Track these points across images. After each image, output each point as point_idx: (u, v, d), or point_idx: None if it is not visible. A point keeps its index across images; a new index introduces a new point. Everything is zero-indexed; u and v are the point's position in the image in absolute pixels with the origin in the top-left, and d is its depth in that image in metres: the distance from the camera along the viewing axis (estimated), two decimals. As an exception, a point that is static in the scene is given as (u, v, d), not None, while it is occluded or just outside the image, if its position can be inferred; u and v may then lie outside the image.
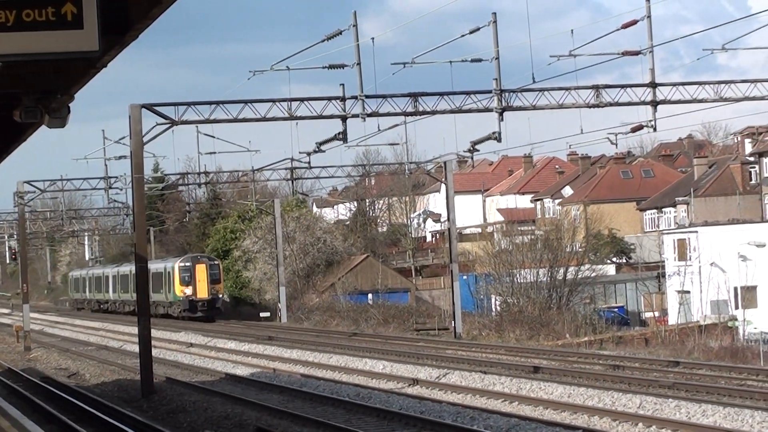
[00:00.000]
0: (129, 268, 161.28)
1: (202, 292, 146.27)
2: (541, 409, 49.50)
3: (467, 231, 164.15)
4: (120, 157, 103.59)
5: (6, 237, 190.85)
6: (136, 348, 65.56)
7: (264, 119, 67.65)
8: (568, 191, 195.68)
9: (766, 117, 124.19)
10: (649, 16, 65.20)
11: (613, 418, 45.46)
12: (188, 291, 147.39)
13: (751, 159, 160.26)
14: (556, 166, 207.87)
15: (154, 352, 66.54)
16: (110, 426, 46.34)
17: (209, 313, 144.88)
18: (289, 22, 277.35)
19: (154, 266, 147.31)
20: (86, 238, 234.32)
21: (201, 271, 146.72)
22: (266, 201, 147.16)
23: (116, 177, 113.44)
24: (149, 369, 61.45)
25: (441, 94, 67.95)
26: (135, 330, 70.01)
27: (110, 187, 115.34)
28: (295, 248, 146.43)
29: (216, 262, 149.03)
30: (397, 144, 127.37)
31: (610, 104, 68.02)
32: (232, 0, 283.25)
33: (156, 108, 65.61)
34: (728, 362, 67.72)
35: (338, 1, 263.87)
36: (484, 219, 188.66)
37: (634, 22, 65.48)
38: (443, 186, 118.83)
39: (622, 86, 68.40)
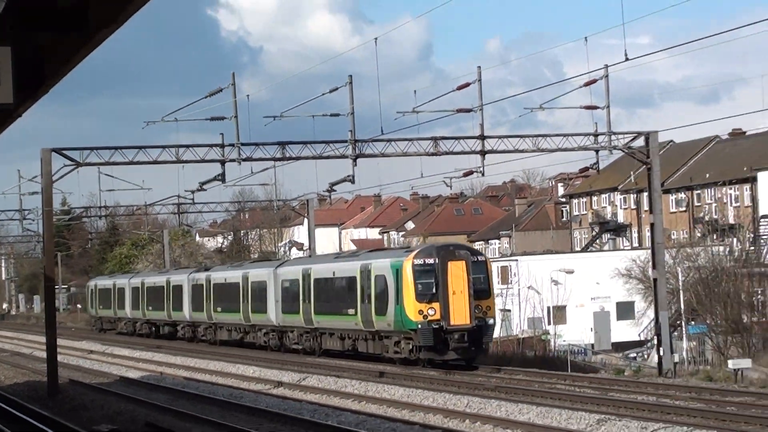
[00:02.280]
0: (183, 277, 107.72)
1: (461, 316, 65.37)
2: (385, 408, 49.54)
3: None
4: (33, 193, 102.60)
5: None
6: (44, 354, 64.91)
7: (155, 162, 67.55)
8: (410, 225, 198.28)
9: (575, 165, 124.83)
10: (479, 80, 65.45)
11: (445, 416, 45.68)
12: (431, 312, 65.77)
13: (563, 200, 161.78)
14: (401, 204, 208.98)
15: (61, 358, 66.14)
16: (19, 419, 46.07)
17: (470, 354, 66.64)
18: (178, 80, 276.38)
19: (322, 266, 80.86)
20: (2, 260, 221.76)
21: (458, 274, 65.96)
22: (156, 231, 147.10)
23: (29, 210, 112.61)
24: (55, 372, 61.13)
25: (305, 143, 67.91)
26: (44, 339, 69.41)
27: (24, 219, 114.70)
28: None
29: (482, 259, 71.17)
30: (268, 184, 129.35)
31: (446, 153, 68.13)
32: (131, 61, 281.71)
33: (63, 151, 65.51)
34: (541, 369, 67.97)
35: (220, 63, 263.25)
36: (340, 248, 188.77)
37: (467, 85, 65.73)
38: (306, 220, 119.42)
39: (456, 138, 68.48)
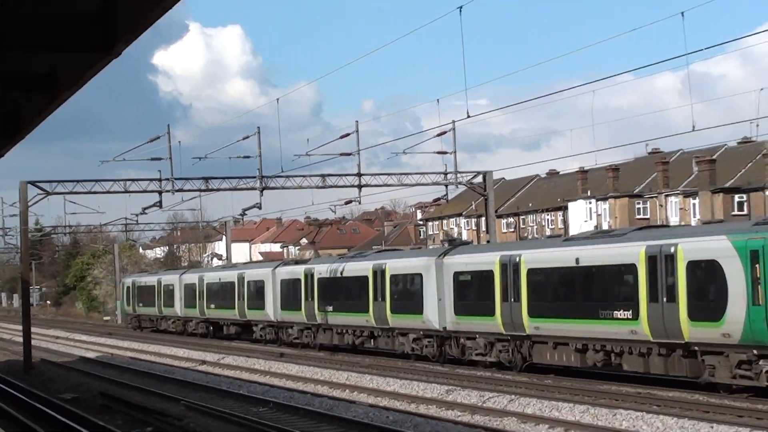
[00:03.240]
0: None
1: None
2: (284, 381, 49.31)
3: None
4: (12, 215, 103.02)
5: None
6: (21, 339, 64.46)
7: (108, 192, 67.73)
8: (304, 241, 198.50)
9: (430, 196, 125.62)
10: (357, 131, 65.69)
11: (330, 387, 45.25)
12: None
13: (421, 223, 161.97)
14: (297, 226, 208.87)
15: (34, 342, 65.49)
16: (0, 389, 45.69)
17: None
18: (126, 129, 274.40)
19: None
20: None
21: None
22: (109, 245, 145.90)
23: (9, 228, 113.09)
24: (29, 353, 60.41)
25: (223, 178, 67.99)
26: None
27: (5, 235, 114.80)
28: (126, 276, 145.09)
29: None
30: (195, 209, 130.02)
31: (332, 186, 68.46)
32: (90, 113, 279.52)
33: (37, 183, 65.94)
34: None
35: (158, 116, 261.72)
36: (250, 259, 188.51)
37: (348, 134, 66.02)
38: (224, 237, 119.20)
39: (340, 175, 68.68)
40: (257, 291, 72.91)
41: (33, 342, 63.89)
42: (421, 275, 52.83)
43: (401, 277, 55.39)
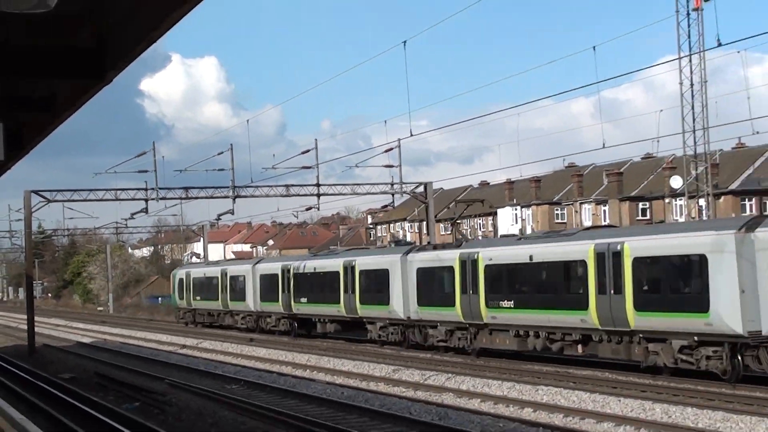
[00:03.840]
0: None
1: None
2: (254, 362, 49.25)
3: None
4: (18, 220, 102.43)
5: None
6: (26, 326, 64.26)
7: (101, 200, 67.63)
8: (271, 242, 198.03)
9: (379, 203, 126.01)
10: (316, 148, 65.73)
11: (293, 367, 45.29)
12: None
13: (371, 226, 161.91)
14: (265, 229, 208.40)
15: (37, 329, 65.05)
16: (7, 370, 45.38)
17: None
18: (117, 145, 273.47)
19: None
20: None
21: None
22: (102, 246, 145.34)
23: (16, 231, 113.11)
24: (33, 338, 60.03)
25: (201, 188, 68.05)
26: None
27: (12, 237, 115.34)
28: (117, 272, 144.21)
29: None
30: (177, 215, 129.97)
31: (294, 195, 68.50)
32: (86, 132, 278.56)
33: (40, 192, 65.50)
34: (360, 337, 67.89)
35: (145, 134, 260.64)
36: (224, 257, 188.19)
37: (308, 151, 66.10)
38: (202, 239, 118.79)
39: (301, 185, 68.76)
40: (377, 281, 53.08)
41: (36, 329, 63.50)
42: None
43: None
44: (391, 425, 25.90)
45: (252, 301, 67.98)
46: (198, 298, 78.91)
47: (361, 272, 53.78)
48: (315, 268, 59.51)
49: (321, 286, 58.52)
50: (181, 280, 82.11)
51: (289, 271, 62.60)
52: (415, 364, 42.69)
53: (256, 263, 69.46)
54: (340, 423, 25.97)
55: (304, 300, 60.83)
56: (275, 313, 65.60)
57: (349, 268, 55.07)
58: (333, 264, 57.48)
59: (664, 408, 27.57)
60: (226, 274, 71.79)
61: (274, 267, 65.99)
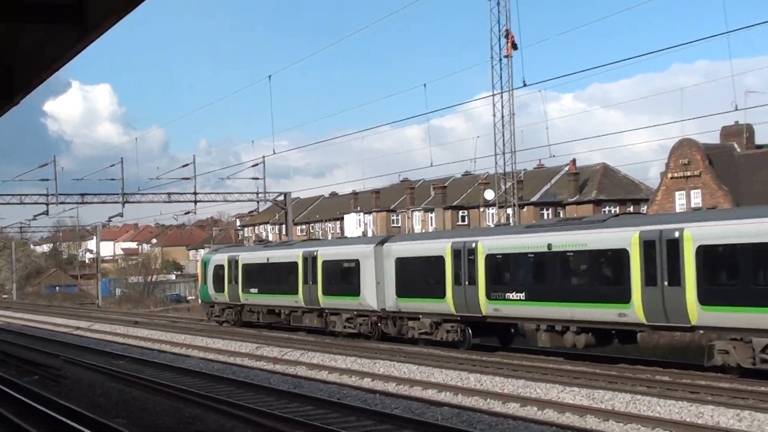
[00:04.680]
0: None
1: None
2: (138, 341, 48.53)
3: (107, 258, 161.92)
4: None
5: None
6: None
7: (8, 204, 66.69)
8: (154, 240, 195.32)
9: (247, 209, 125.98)
10: (194, 162, 65.31)
11: (171, 345, 44.86)
12: None
13: (240, 228, 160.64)
14: (150, 230, 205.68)
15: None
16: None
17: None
18: (24, 158, 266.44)
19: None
20: None
21: None
22: (7, 242, 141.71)
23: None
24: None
25: (95, 194, 67.46)
26: None
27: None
28: (21, 265, 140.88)
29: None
30: (74, 216, 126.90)
31: (175, 201, 68.07)
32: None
33: (-45, 196, 63.90)
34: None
35: (48, 148, 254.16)
36: (114, 253, 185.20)
37: (187, 164, 65.68)
38: (95, 237, 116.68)
39: (181, 193, 68.35)
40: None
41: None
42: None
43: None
44: (253, 393, 25.78)
45: (375, 296, 40.37)
46: (254, 290, 50.20)
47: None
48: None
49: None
50: (219, 267, 53.74)
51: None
52: (274, 342, 42.57)
53: (380, 243, 41.11)
54: (212, 392, 25.76)
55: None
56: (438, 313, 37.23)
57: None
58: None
59: (476, 377, 27.95)
60: (314, 259, 44.57)
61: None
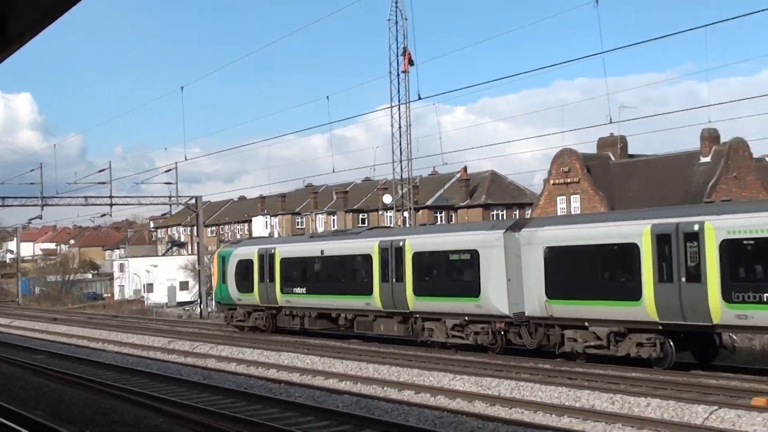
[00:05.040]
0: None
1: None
2: (59, 337, 47.69)
3: (27, 258, 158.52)
4: None
5: None
6: None
7: (-70, 206, 64.91)
8: (72, 241, 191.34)
9: (161, 211, 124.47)
10: (110, 168, 64.59)
11: (88, 340, 44.17)
12: None
13: (154, 229, 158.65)
14: (68, 231, 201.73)
15: None
16: None
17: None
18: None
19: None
20: None
21: None
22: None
23: None
24: None
25: (16, 197, 66.07)
26: None
27: None
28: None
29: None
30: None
31: (92, 204, 67.42)
32: None
33: None
34: (141, 315, 66.73)
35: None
36: (34, 253, 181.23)
37: (104, 170, 65.07)
38: (15, 238, 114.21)
39: (98, 197, 67.70)
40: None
41: None
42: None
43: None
44: (166, 384, 25.52)
45: (506, 296, 29.07)
46: (299, 290, 38.21)
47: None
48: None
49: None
50: (245, 262, 41.17)
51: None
52: (185, 337, 42.20)
53: (511, 228, 29.58)
54: (126, 384, 25.42)
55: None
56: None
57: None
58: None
59: (375, 367, 28.12)
60: (399, 250, 32.79)
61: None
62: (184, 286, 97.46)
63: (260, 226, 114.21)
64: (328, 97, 64.85)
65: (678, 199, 56.49)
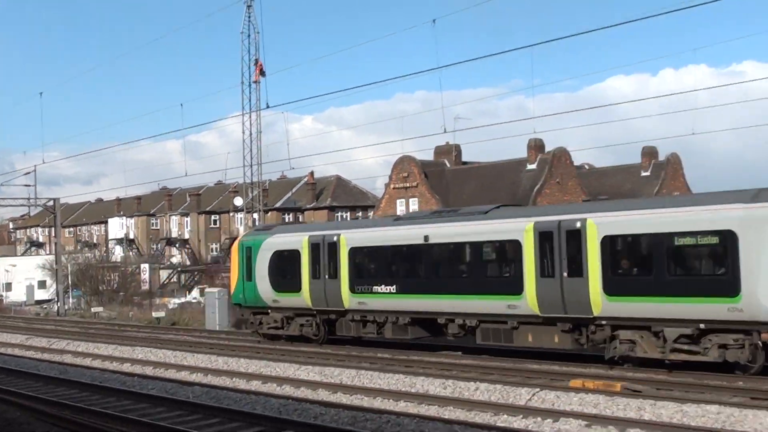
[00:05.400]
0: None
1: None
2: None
3: None
4: None
5: None
6: None
7: None
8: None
9: (20, 213, 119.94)
10: (36, 171, 61.87)
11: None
12: None
13: (12, 230, 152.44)
14: None
15: None
16: None
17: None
18: None
19: None
20: None
21: None
22: None
23: None
24: None
25: None
26: None
27: None
28: None
29: None
30: None
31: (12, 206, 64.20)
32: None
33: None
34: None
35: None
36: None
37: (29, 172, 62.75)
38: None
39: (26, 199, 64.61)
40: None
41: None
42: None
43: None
44: (23, 380, 24.61)
45: None
46: (381, 289, 27.34)
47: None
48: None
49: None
50: (287, 253, 30.58)
51: None
52: (42, 334, 40.85)
53: None
54: (-19, 379, 24.41)
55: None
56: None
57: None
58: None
59: (224, 359, 27.86)
60: (575, 233, 22.59)
61: None
62: (42, 285, 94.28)
63: (116, 227, 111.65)
64: (182, 104, 64.00)
65: (507, 202, 58.12)
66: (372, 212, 73.92)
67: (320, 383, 22.50)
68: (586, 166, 71.35)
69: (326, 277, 28.92)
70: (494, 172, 62.45)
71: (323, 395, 21.12)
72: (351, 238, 28.49)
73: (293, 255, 30.09)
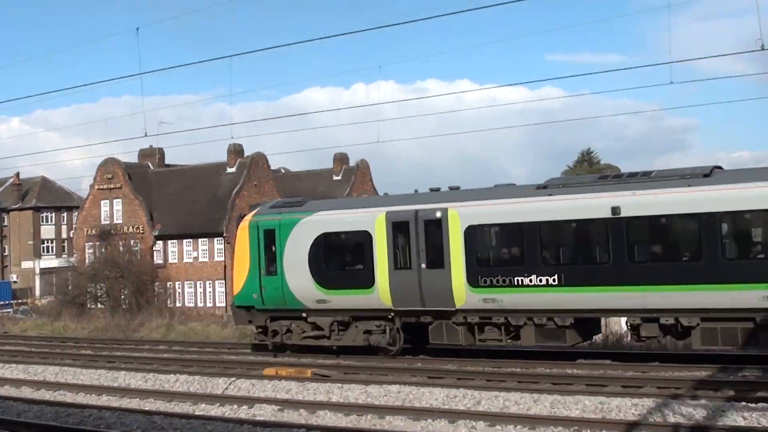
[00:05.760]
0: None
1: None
2: None
3: None
4: None
5: None
6: None
7: None
8: None
9: None
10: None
11: None
12: None
13: None
14: None
15: None
16: None
17: None
18: None
19: None
20: None
21: None
22: None
23: None
24: None
25: None
26: None
27: None
28: None
29: None
30: None
31: None
32: None
33: None
34: None
35: None
36: None
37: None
38: None
39: None
40: None
41: None
42: None
43: None
44: None
45: None
46: (530, 279, 19.19)
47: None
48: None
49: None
50: (349, 238, 22.11)
51: None
52: None
53: None
54: None
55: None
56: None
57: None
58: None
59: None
60: None
61: None
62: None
63: None
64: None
65: (207, 202, 58.10)
66: (77, 213, 70.72)
67: (23, 381, 21.51)
68: (283, 170, 72.47)
69: (422, 266, 20.73)
70: (196, 174, 62.12)
71: (26, 392, 20.21)
72: (468, 213, 20.24)
73: (357, 238, 21.80)
